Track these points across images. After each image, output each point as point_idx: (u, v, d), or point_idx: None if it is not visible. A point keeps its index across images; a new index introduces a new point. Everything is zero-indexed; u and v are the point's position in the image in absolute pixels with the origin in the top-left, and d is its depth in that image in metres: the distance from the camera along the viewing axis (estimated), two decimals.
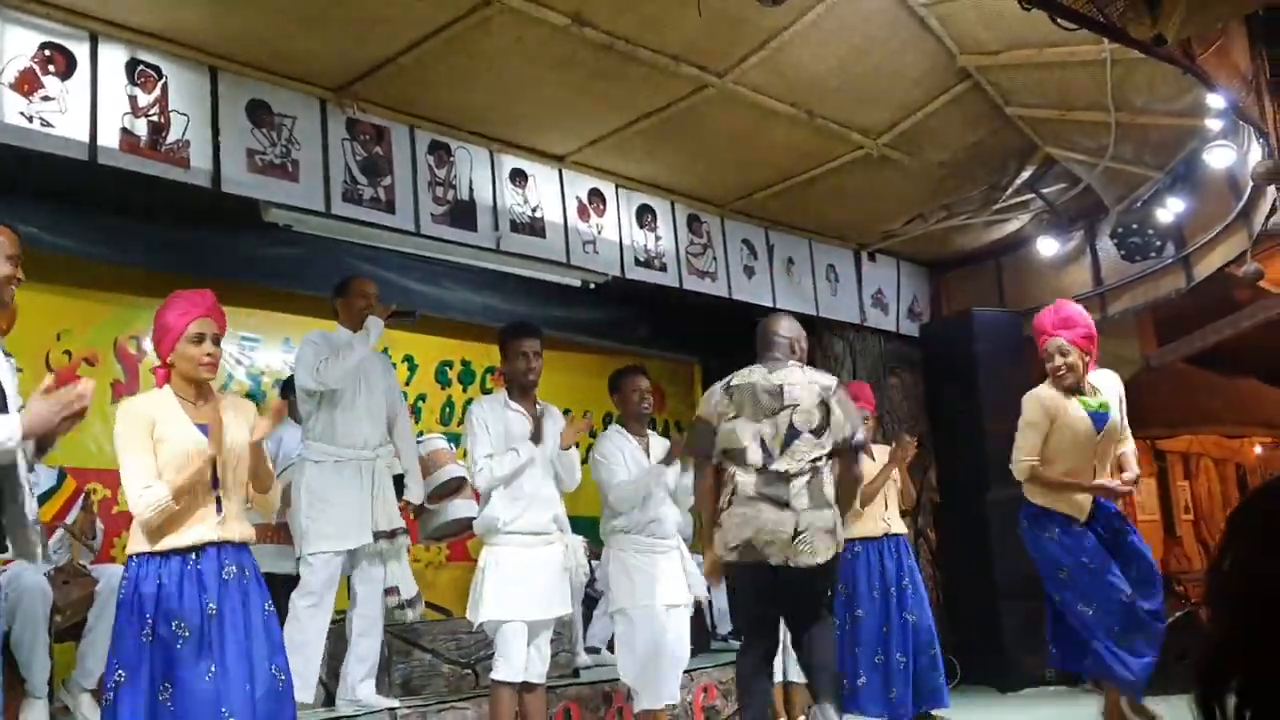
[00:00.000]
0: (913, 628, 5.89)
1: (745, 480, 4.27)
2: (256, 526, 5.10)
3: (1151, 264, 7.67)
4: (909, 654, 5.85)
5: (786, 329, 4.61)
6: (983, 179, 7.46)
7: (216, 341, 3.51)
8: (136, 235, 5.69)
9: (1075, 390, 4.79)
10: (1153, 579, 4.77)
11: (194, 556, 3.33)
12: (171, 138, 4.93)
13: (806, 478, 4.26)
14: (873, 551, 6.02)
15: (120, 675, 3.23)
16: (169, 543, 3.31)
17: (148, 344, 6.37)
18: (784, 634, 5.81)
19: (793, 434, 4.29)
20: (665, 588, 5.10)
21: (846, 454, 4.38)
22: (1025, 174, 7.39)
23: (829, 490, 4.31)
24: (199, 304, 3.53)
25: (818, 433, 4.31)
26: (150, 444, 3.33)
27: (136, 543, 3.34)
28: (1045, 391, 4.81)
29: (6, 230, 3.23)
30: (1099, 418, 4.77)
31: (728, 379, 4.52)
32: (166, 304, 3.55)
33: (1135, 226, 7.24)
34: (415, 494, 5.27)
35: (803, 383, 4.38)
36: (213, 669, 3.25)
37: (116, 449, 3.39)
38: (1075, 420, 4.73)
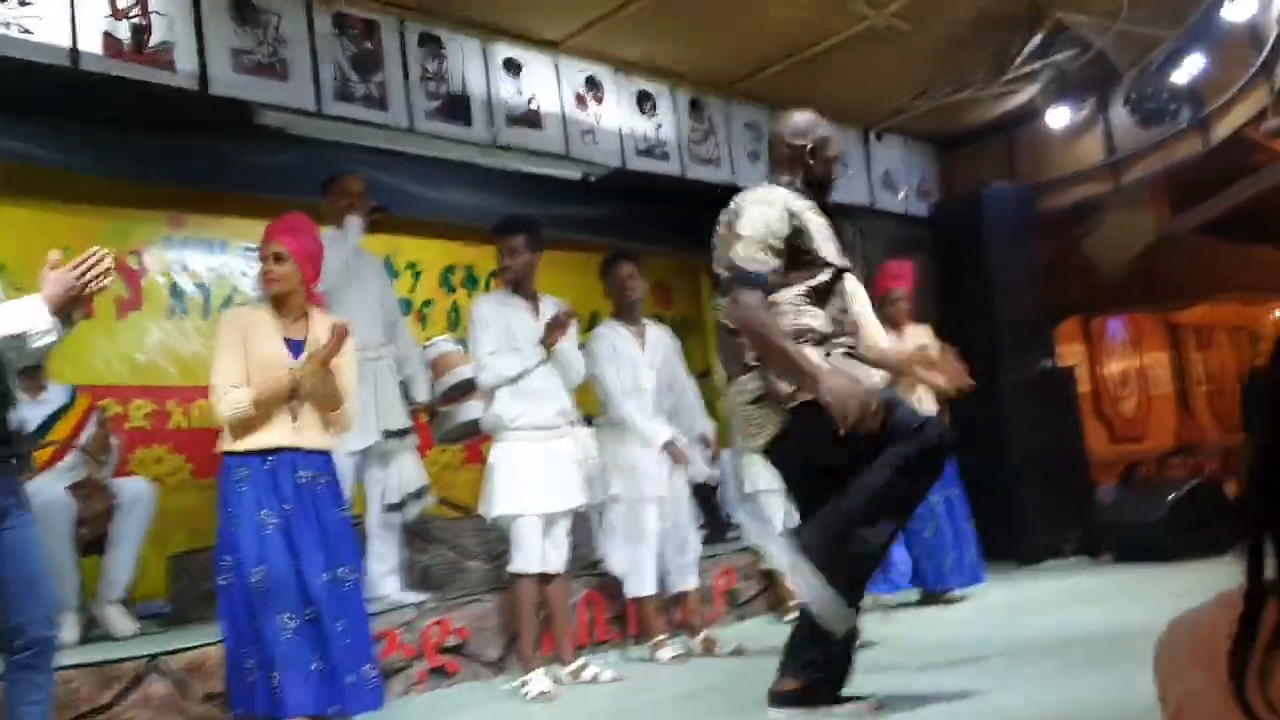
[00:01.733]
0: (946, 504, 5.93)
1: None
2: None
3: (1167, 129, 7.51)
4: (945, 530, 5.90)
5: (782, 128, 3.85)
6: (990, 49, 7.26)
7: (278, 260, 3.76)
8: (128, 147, 5.57)
9: None
10: None
11: (270, 459, 3.62)
12: (155, 39, 4.79)
13: (723, 341, 3.69)
14: None
15: (227, 560, 3.58)
16: (250, 444, 3.62)
17: (148, 258, 6.33)
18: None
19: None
20: (661, 477, 5.12)
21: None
22: (1034, 42, 7.19)
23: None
24: (276, 226, 3.85)
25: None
26: (242, 350, 3.66)
27: (224, 442, 3.67)
28: None
29: None
30: None
31: None
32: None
33: (1150, 91, 7.09)
34: (421, 393, 5.26)
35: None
36: (294, 563, 3.57)
37: (215, 349, 3.73)
38: None
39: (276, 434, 3.65)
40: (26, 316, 2.85)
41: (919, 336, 6.18)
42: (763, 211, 3.34)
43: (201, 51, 4.94)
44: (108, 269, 2.96)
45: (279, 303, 3.80)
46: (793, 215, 3.36)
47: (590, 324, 7.91)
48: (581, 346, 5.11)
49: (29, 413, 4.52)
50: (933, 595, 6.06)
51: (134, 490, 4.97)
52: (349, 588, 3.70)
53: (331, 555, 3.66)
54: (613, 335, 5.22)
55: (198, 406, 6.40)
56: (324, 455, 3.78)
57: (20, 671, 3.09)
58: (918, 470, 3.21)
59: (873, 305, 7.19)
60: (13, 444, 3.09)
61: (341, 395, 3.80)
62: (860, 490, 3.17)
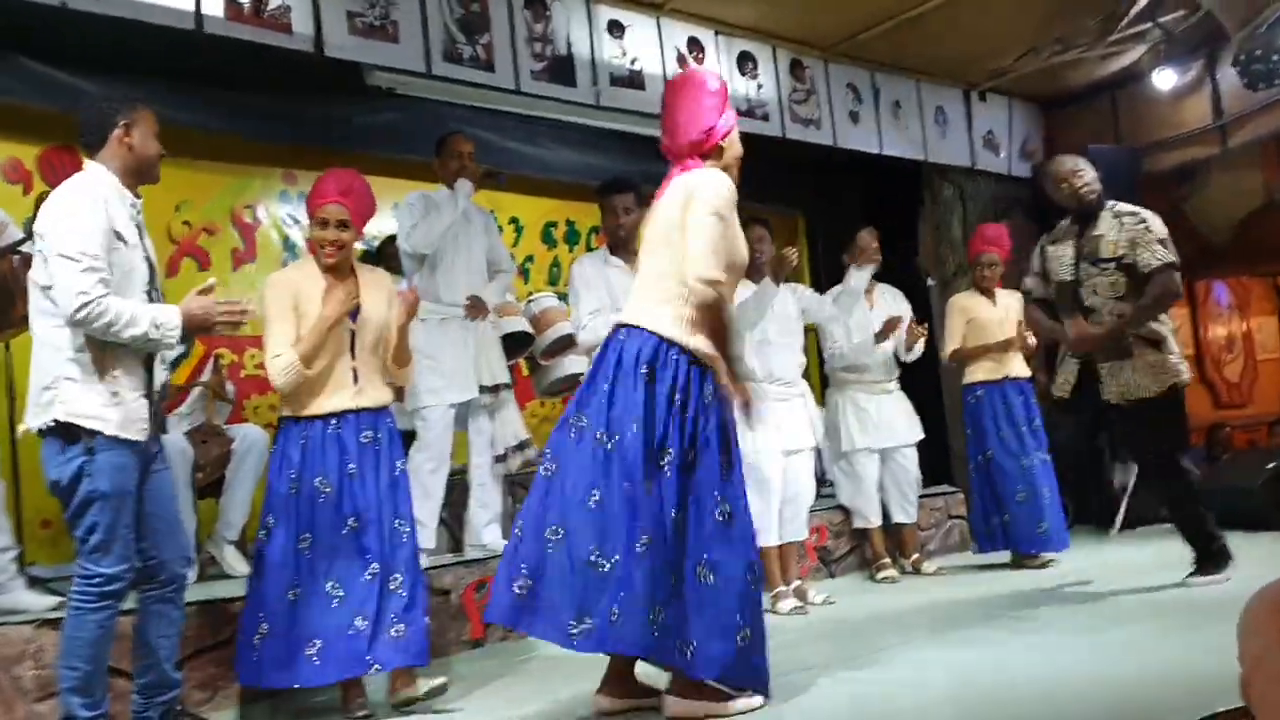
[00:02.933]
0: (1042, 467, 5.97)
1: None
2: None
3: (1276, 92, 7.32)
4: (1040, 493, 5.94)
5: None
6: (1097, 8, 7.14)
7: (341, 226, 3.69)
8: (245, 105, 5.78)
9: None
10: None
11: (334, 422, 3.65)
12: (273, 4, 4.97)
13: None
14: (995, 393, 6.08)
15: (271, 521, 3.61)
16: (311, 408, 3.64)
17: (263, 212, 6.57)
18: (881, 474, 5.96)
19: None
20: (784, 434, 5.21)
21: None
22: (1142, 2, 7.05)
23: None
24: (331, 188, 3.73)
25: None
26: (292, 314, 3.63)
27: (286, 406, 3.68)
28: None
29: (149, 110, 3.35)
30: None
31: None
32: (315, 182, 3.81)
33: (1259, 53, 6.89)
34: (491, 295, 5.27)
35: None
36: (352, 522, 3.60)
37: (264, 319, 3.67)
38: None
39: (340, 397, 3.66)
40: (166, 327, 3.13)
41: (1008, 301, 6.21)
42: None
43: (317, 14, 5.10)
44: (243, 316, 3.28)
45: (330, 266, 3.73)
46: None
47: None
48: None
49: None
50: (1023, 558, 6.10)
51: (248, 436, 5.18)
52: (406, 540, 3.71)
53: (394, 511, 3.71)
54: (744, 292, 5.31)
55: None
56: (384, 411, 3.79)
57: (157, 604, 3.33)
58: None
59: (952, 269, 7.24)
60: (161, 397, 3.35)
61: (410, 353, 3.88)
62: None
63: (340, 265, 3.74)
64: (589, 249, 7.76)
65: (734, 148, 3.51)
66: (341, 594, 3.58)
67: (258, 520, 5.63)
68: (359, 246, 6.75)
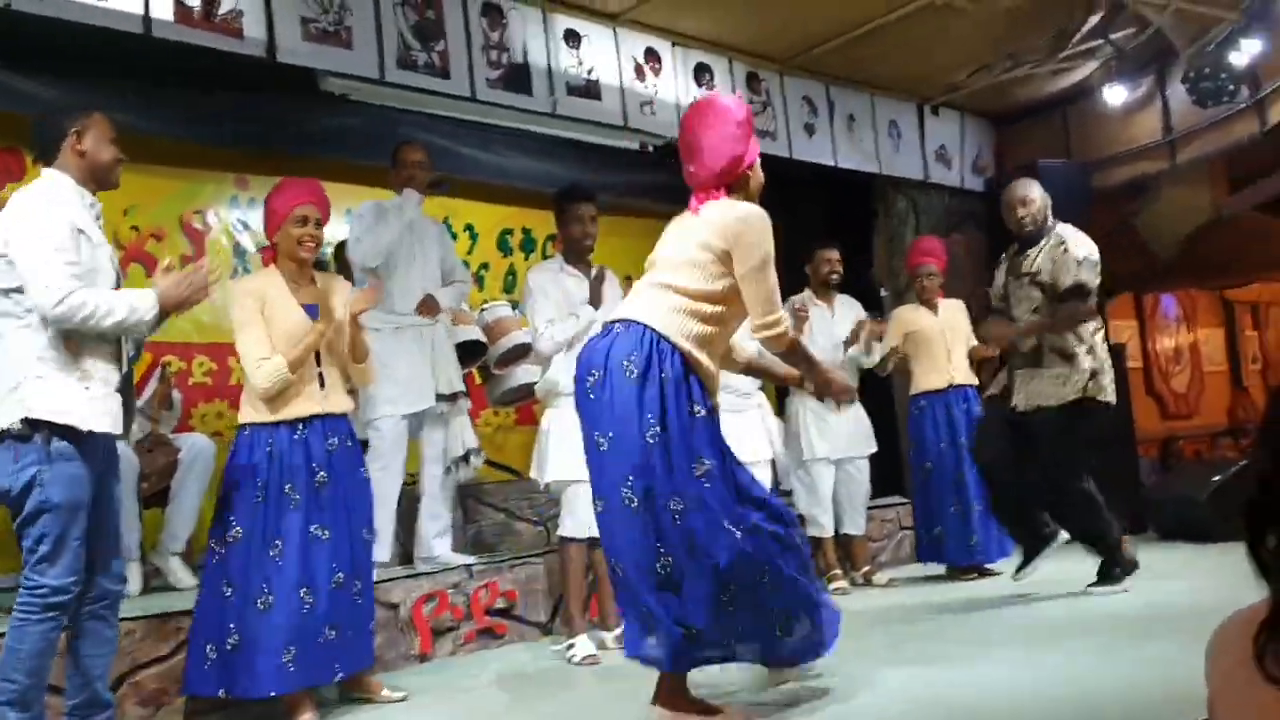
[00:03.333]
0: (977, 479, 6.01)
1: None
2: None
3: (1224, 109, 7.44)
4: (984, 503, 5.98)
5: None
6: (1050, 25, 7.22)
7: (318, 225, 3.83)
8: (196, 109, 5.71)
9: None
10: None
11: (301, 427, 3.68)
12: (224, 8, 4.90)
13: None
14: (938, 404, 6.13)
15: (236, 532, 3.59)
16: (279, 414, 3.66)
17: (213, 218, 6.48)
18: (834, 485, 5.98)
19: None
20: (741, 445, 5.21)
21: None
22: (1093, 19, 7.13)
23: None
24: (304, 190, 3.85)
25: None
26: (261, 319, 3.66)
27: (248, 413, 3.69)
28: None
29: (103, 117, 3.33)
30: None
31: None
32: (275, 189, 3.89)
33: (1208, 70, 7.00)
34: (445, 301, 5.21)
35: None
36: (323, 531, 3.63)
37: (232, 324, 3.71)
38: None
39: (309, 402, 3.71)
40: (143, 311, 3.14)
41: (950, 312, 6.29)
42: None
43: (269, 19, 5.04)
44: (206, 277, 3.28)
45: (303, 268, 3.83)
46: None
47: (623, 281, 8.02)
48: None
49: None
50: (958, 570, 6.15)
51: (195, 445, 5.10)
52: (367, 549, 3.81)
53: (359, 518, 3.78)
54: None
55: None
56: (345, 418, 3.85)
57: (90, 621, 3.26)
58: None
59: (905, 281, 7.33)
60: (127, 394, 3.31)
61: (364, 348, 3.92)
62: None
63: (308, 268, 3.85)
64: (545, 257, 7.74)
65: (757, 176, 3.50)
66: (311, 601, 3.60)
67: (205, 531, 5.62)
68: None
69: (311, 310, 3.79)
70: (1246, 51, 6.82)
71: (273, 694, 3.58)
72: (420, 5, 5.57)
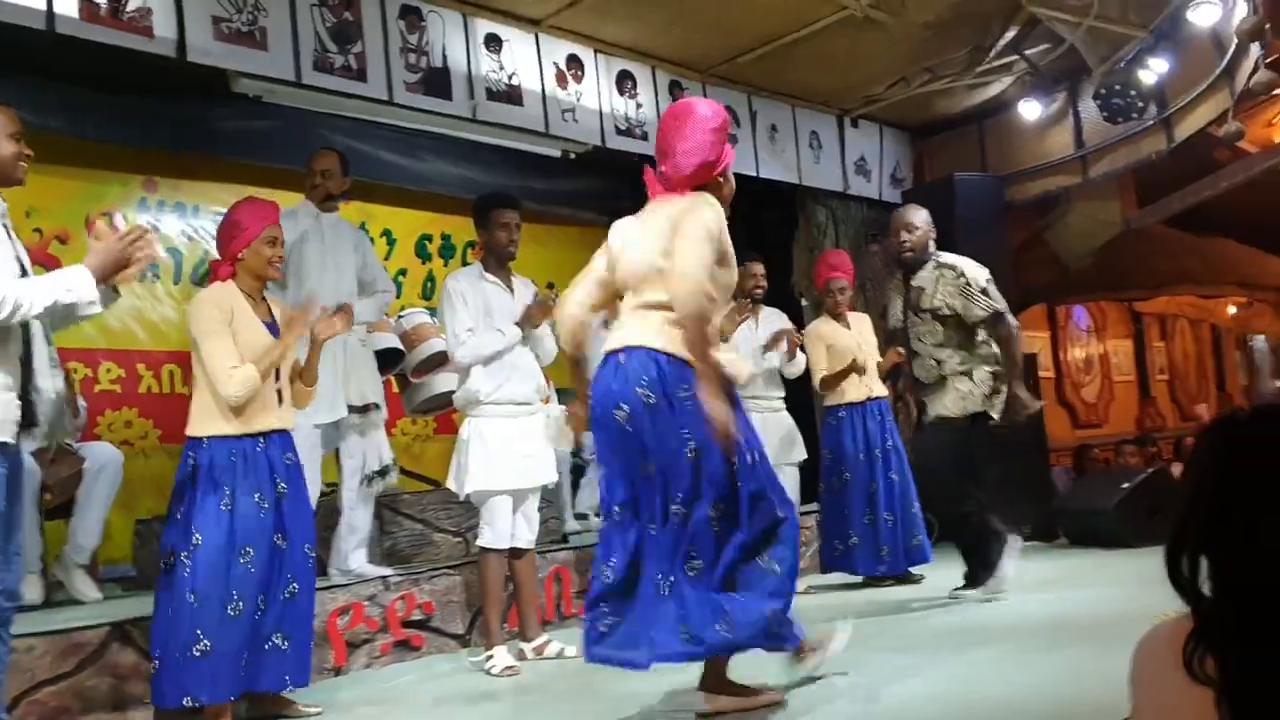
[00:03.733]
0: (898, 488, 6.06)
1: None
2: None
3: (1133, 125, 7.63)
4: (896, 513, 6.03)
5: None
6: (966, 40, 7.33)
7: (281, 244, 3.91)
8: (103, 108, 5.56)
9: None
10: None
11: (263, 441, 3.72)
12: (133, 5, 4.75)
13: None
14: (856, 416, 6.17)
15: (198, 539, 3.56)
16: (242, 427, 3.68)
17: (120, 221, 6.30)
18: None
19: None
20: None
21: None
22: (1009, 35, 7.26)
23: None
24: (272, 211, 3.91)
25: None
26: (229, 331, 3.69)
27: (208, 425, 3.67)
28: None
29: (4, 110, 3.17)
30: None
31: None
32: (240, 206, 3.91)
33: (1118, 87, 7.16)
34: (366, 313, 5.15)
35: None
36: (281, 540, 3.71)
37: (197, 334, 3.69)
38: None
39: (271, 416, 3.76)
40: (76, 286, 2.95)
41: (860, 325, 6.36)
42: None
43: (180, 18, 4.90)
44: (149, 242, 3.10)
45: (261, 285, 3.89)
46: None
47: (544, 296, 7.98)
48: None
49: None
50: (873, 580, 6.19)
51: (101, 455, 4.97)
52: (313, 562, 3.87)
53: (309, 531, 3.84)
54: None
55: (168, 370, 6.41)
56: (292, 436, 3.90)
57: None
58: None
59: (815, 295, 7.40)
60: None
61: (315, 373, 3.99)
62: None
63: (263, 287, 3.93)
64: (465, 263, 7.65)
65: (729, 183, 3.53)
66: (264, 608, 3.63)
67: (110, 543, 5.47)
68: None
69: (270, 327, 3.83)
70: (1155, 70, 7.00)
71: (232, 699, 3.61)
72: (337, 7, 5.47)
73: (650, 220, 3.38)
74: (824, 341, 6.30)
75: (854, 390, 6.23)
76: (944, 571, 6.04)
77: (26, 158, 3.19)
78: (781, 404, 6.30)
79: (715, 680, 3.37)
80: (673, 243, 3.23)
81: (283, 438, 3.80)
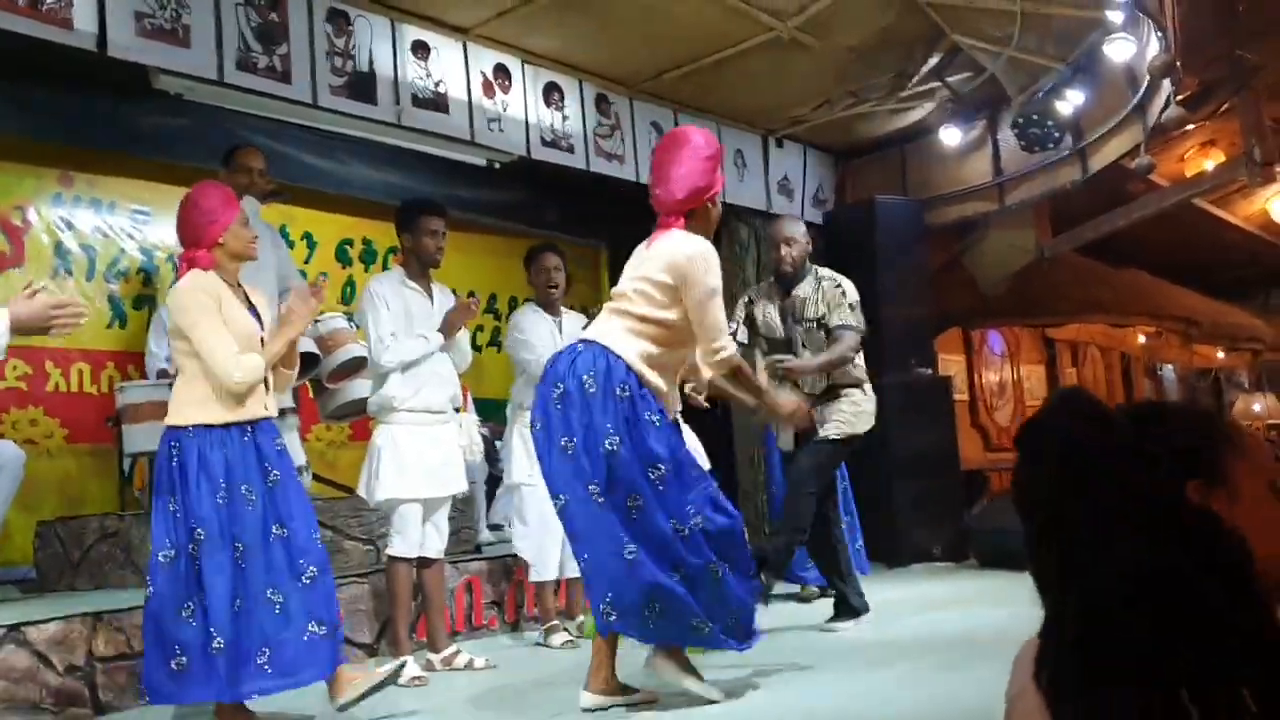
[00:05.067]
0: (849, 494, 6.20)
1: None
2: (150, 404, 5.14)
3: (1050, 155, 7.83)
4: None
5: None
6: (890, 66, 7.47)
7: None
8: (17, 100, 5.44)
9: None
10: None
11: (250, 429, 3.64)
12: None
13: None
14: None
15: (200, 534, 3.49)
16: (230, 416, 3.60)
17: (33, 215, 6.16)
18: None
19: None
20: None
21: None
22: (932, 61, 7.42)
23: None
24: (234, 195, 3.86)
25: None
26: (221, 318, 3.60)
27: (195, 414, 3.59)
28: None
29: None
30: None
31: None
32: (203, 193, 3.77)
33: (1035, 117, 7.35)
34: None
35: None
36: (280, 529, 3.60)
37: (187, 324, 3.58)
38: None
39: (260, 404, 3.68)
40: None
41: None
42: None
43: (101, 11, 4.82)
44: (78, 318, 3.18)
45: (238, 270, 3.79)
46: None
47: (488, 306, 7.95)
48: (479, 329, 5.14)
49: None
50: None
51: (3, 454, 4.83)
52: (324, 547, 3.79)
53: (311, 516, 3.73)
54: (535, 318, 5.35)
55: (77, 369, 6.28)
56: (274, 422, 3.81)
57: None
58: None
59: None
60: None
61: (295, 357, 3.93)
62: None
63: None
64: (385, 269, 7.59)
65: (717, 209, 3.87)
66: (281, 600, 3.54)
67: (8, 544, 5.34)
68: (140, 260, 6.48)
69: (252, 313, 3.76)
70: (1071, 101, 7.19)
71: (255, 696, 3.55)
72: (263, 7, 5.42)
73: (650, 251, 3.73)
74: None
75: None
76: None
77: None
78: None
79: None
80: (685, 293, 3.60)
81: (269, 425, 3.71)
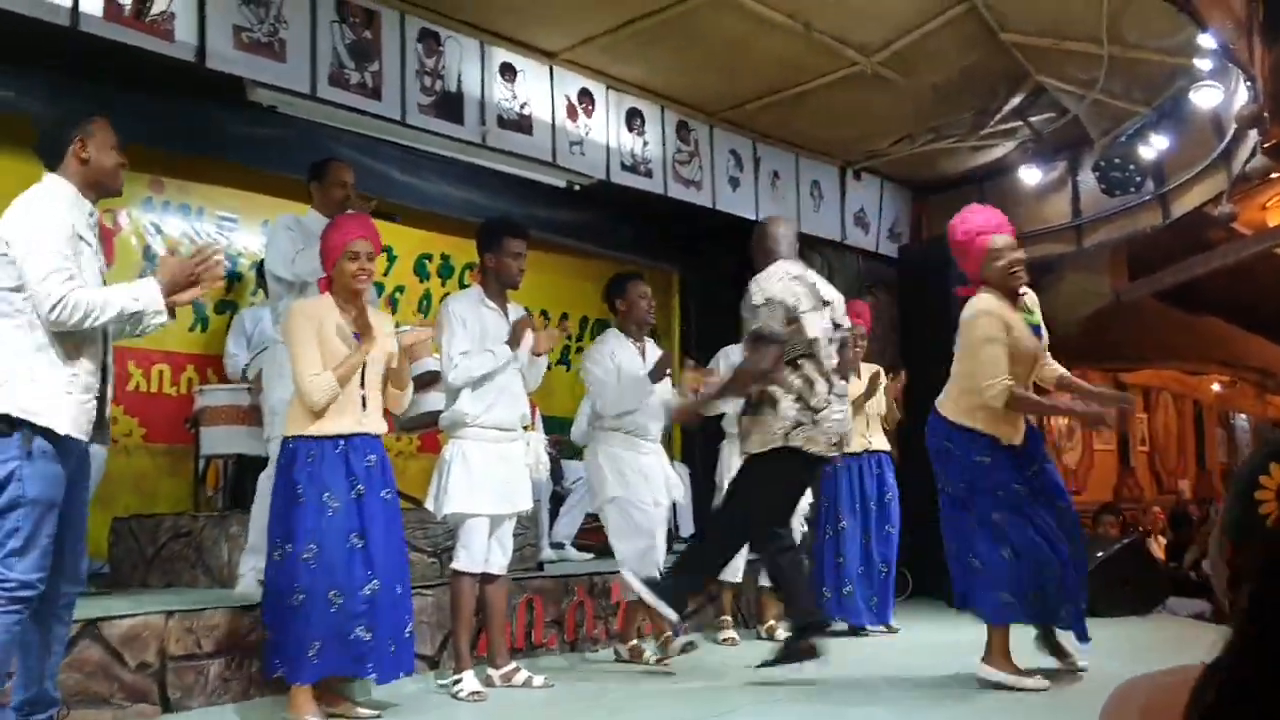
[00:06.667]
0: (892, 539, 6.14)
1: (823, 377, 4.56)
2: (229, 408, 5.25)
3: (1130, 199, 7.73)
4: (890, 564, 6.15)
5: (795, 231, 4.99)
6: (972, 103, 7.44)
7: (371, 258, 4.10)
8: (117, 104, 5.58)
9: (1016, 297, 4.57)
10: (1073, 518, 4.57)
11: (343, 443, 3.94)
12: (156, 9, 4.83)
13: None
14: (853, 466, 6.20)
15: (287, 535, 3.87)
16: (324, 428, 3.92)
17: (124, 218, 6.33)
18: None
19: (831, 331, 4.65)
20: (653, 485, 5.26)
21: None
22: (1014, 101, 7.38)
23: None
24: (356, 226, 4.13)
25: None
26: (316, 340, 3.95)
27: (294, 425, 3.97)
28: (993, 302, 4.48)
29: (106, 123, 3.42)
30: (1036, 330, 4.63)
31: (786, 268, 4.67)
32: (331, 224, 4.21)
33: (1118, 161, 7.26)
34: None
35: (826, 281, 4.82)
36: (356, 539, 3.89)
37: (288, 343, 4.04)
38: (1024, 333, 4.51)
39: (349, 420, 3.96)
40: (144, 297, 3.20)
41: (869, 376, 6.36)
42: None
43: (202, 24, 4.98)
44: (220, 264, 3.38)
45: (353, 296, 4.06)
46: None
47: (558, 325, 8.01)
48: (579, 350, 5.14)
49: None
50: (857, 629, 6.22)
51: None
52: (405, 558, 4.09)
53: (394, 530, 4.02)
54: (616, 342, 5.40)
55: (158, 370, 6.42)
56: (381, 439, 4.08)
57: (47, 620, 3.27)
58: None
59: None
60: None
61: (406, 378, 4.23)
62: None
63: (360, 298, 4.11)
64: (462, 284, 7.69)
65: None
66: (340, 602, 3.83)
67: (89, 539, 5.45)
68: (228, 267, 6.61)
69: (356, 338, 4.05)
70: (1155, 146, 7.11)
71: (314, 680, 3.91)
72: (357, 25, 5.55)
73: None
74: None
75: (852, 440, 6.24)
76: (912, 626, 6.09)
77: (123, 166, 3.45)
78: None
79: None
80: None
81: (364, 441, 3.98)
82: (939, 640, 5.35)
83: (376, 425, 4.07)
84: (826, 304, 4.70)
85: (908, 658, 5.37)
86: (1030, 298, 4.67)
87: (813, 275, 4.79)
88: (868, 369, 6.40)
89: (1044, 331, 4.66)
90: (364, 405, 4.01)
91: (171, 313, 3.31)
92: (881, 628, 6.23)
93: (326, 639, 3.81)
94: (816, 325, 4.58)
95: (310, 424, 3.93)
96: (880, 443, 6.35)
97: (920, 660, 5.24)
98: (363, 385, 4.02)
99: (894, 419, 6.43)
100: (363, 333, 4.02)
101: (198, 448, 5.68)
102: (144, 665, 4.12)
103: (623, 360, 5.32)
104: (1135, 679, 1.24)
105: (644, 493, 5.26)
